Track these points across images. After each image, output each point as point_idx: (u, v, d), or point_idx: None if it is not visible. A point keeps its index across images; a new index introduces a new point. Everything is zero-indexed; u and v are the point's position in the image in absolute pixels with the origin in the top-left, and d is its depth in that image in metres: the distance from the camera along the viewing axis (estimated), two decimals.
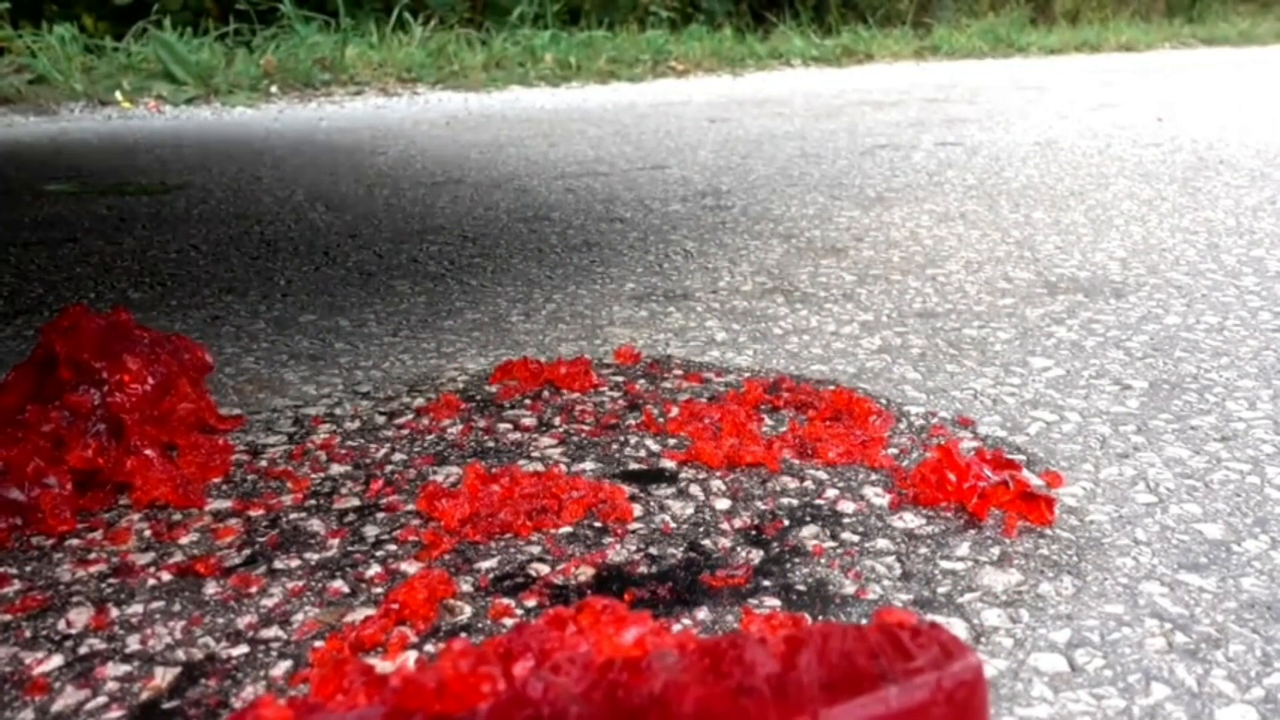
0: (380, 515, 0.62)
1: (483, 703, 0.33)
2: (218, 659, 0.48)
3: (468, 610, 0.51)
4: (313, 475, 0.67)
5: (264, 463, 0.69)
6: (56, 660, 0.48)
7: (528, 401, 0.80)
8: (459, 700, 0.33)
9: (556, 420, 0.76)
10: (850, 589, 0.53)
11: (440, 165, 2.12)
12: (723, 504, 0.63)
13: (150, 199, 1.79)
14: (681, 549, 0.57)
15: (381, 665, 0.47)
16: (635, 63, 4.50)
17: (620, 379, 0.85)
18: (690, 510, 0.62)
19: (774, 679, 0.32)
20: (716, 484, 0.65)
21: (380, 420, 0.77)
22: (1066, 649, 0.48)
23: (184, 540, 0.59)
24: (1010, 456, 0.67)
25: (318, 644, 0.49)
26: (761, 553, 0.57)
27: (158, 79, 3.58)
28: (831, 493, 0.64)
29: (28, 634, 0.50)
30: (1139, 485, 0.64)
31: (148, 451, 0.64)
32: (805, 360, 0.90)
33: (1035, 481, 0.63)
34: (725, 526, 0.60)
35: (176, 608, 0.52)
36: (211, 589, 0.54)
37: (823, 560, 0.56)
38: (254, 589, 0.54)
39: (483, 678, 0.34)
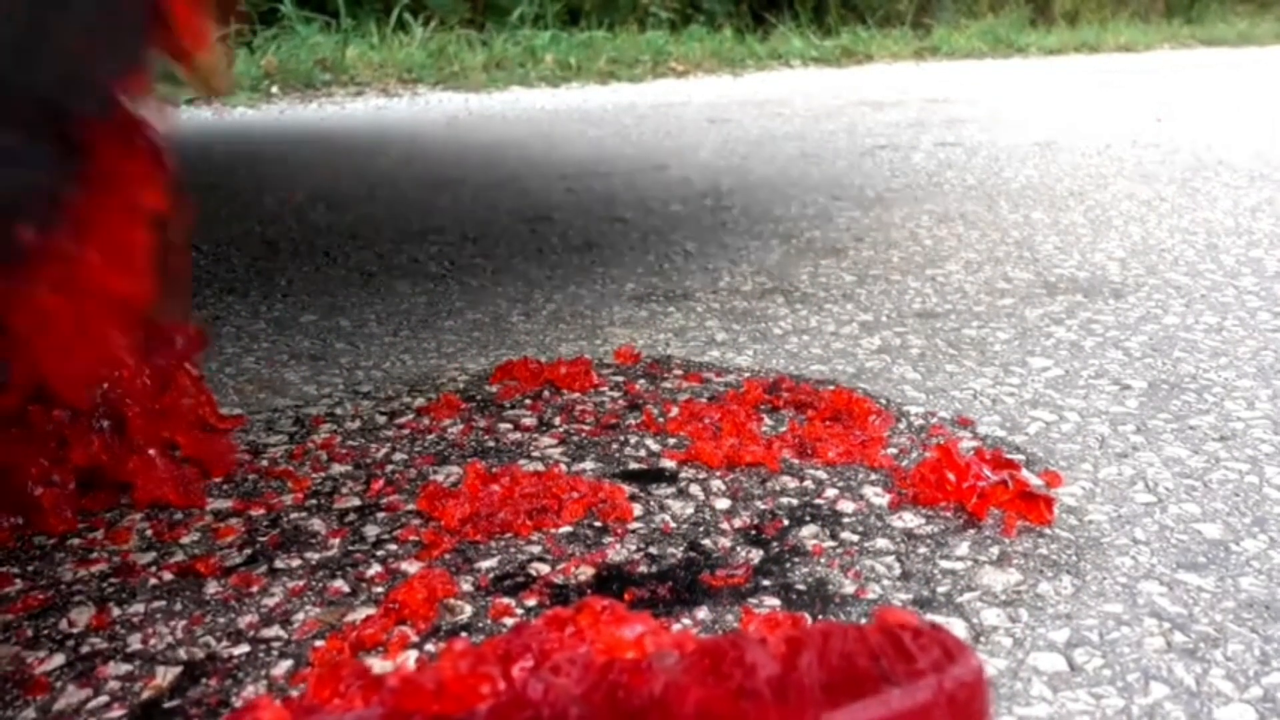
0: (381, 515, 0.62)
1: (482, 704, 0.33)
2: (219, 658, 0.48)
3: (468, 610, 0.52)
4: (313, 475, 0.68)
5: (265, 462, 0.70)
6: (58, 659, 0.48)
7: (528, 401, 0.80)
8: (458, 701, 0.33)
9: (557, 420, 0.76)
10: (850, 588, 0.53)
11: (441, 165, 2.12)
12: (723, 504, 0.63)
13: None
14: (681, 549, 0.57)
15: (381, 665, 0.47)
16: (635, 63, 4.50)
17: (620, 379, 0.85)
18: (690, 510, 0.62)
19: (775, 681, 0.32)
20: (716, 484, 0.65)
21: (381, 420, 0.77)
22: (1065, 648, 0.48)
23: (185, 540, 0.59)
24: (1009, 456, 0.67)
25: (318, 643, 0.49)
26: (761, 552, 0.57)
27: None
28: (831, 492, 0.64)
29: (29, 633, 0.50)
30: (1138, 485, 0.65)
31: (149, 451, 0.64)
32: (805, 360, 0.90)
33: (1034, 481, 0.64)
34: (725, 526, 0.60)
35: (178, 607, 0.52)
36: (212, 588, 0.54)
37: (822, 560, 0.56)
38: (255, 588, 0.54)
39: (482, 678, 0.34)
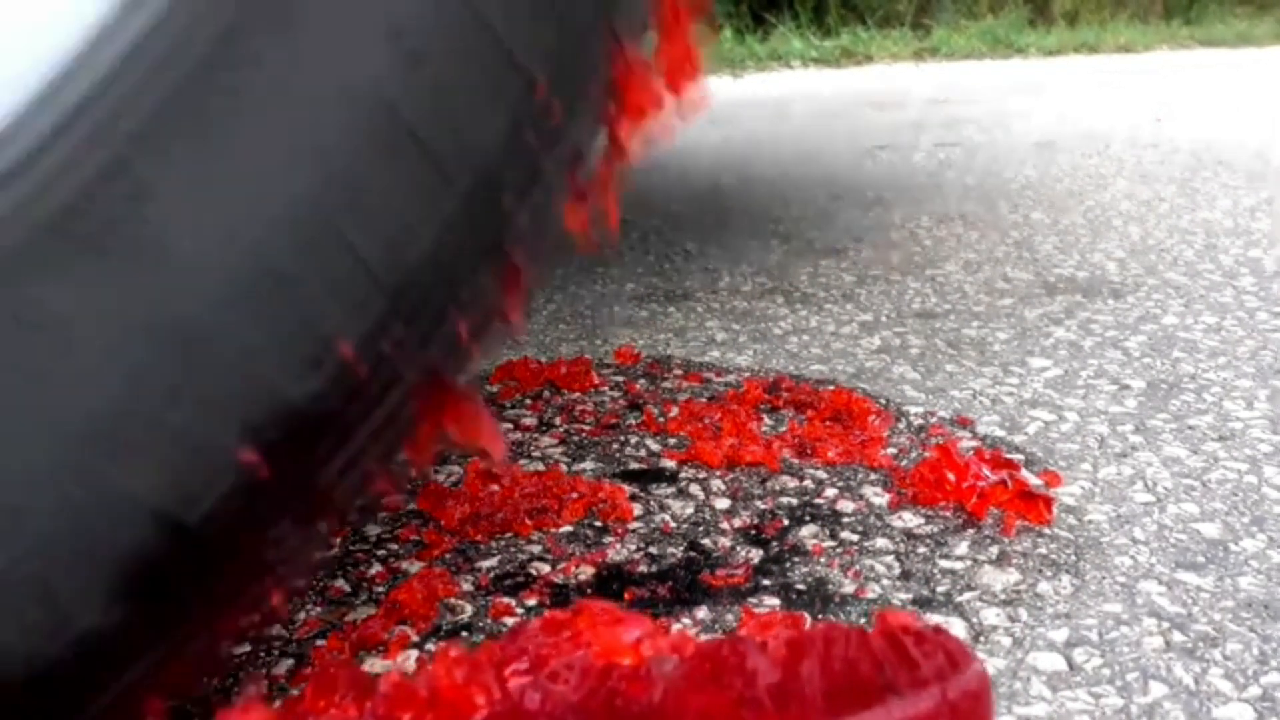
0: (381, 514, 0.62)
1: (477, 713, 0.33)
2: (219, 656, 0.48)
3: (469, 609, 0.52)
4: None
5: None
6: None
7: (528, 401, 0.80)
8: (452, 709, 0.33)
9: (557, 420, 0.77)
10: (849, 588, 0.53)
11: None
12: (723, 503, 0.63)
13: None
14: (681, 548, 0.57)
15: (382, 664, 0.47)
16: None
17: (620, 379, 0.85)
18: (690, 510, 0.62)
19: (775, 689, 0.32)
20: (716, 483, 0.65)
21: None
22: (1065, 648, 0.48)
23: None
24: (1009, 456, 0.68)
25: (319, 642, 0.49)
26: (761, 552, 0.57)
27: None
28: (831, 492, 0.64)
29: None
30: (1137, 484, 0.65)
31: None
32: (805, 360, 0.90)
33: (1034, 481, 0.64)
34: (725, 526, 0.60)
35: None
36: None
37: (822, 559, 0.56)
38: None
39: (477, 687, 0.34)
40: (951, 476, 0.61)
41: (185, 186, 0.29)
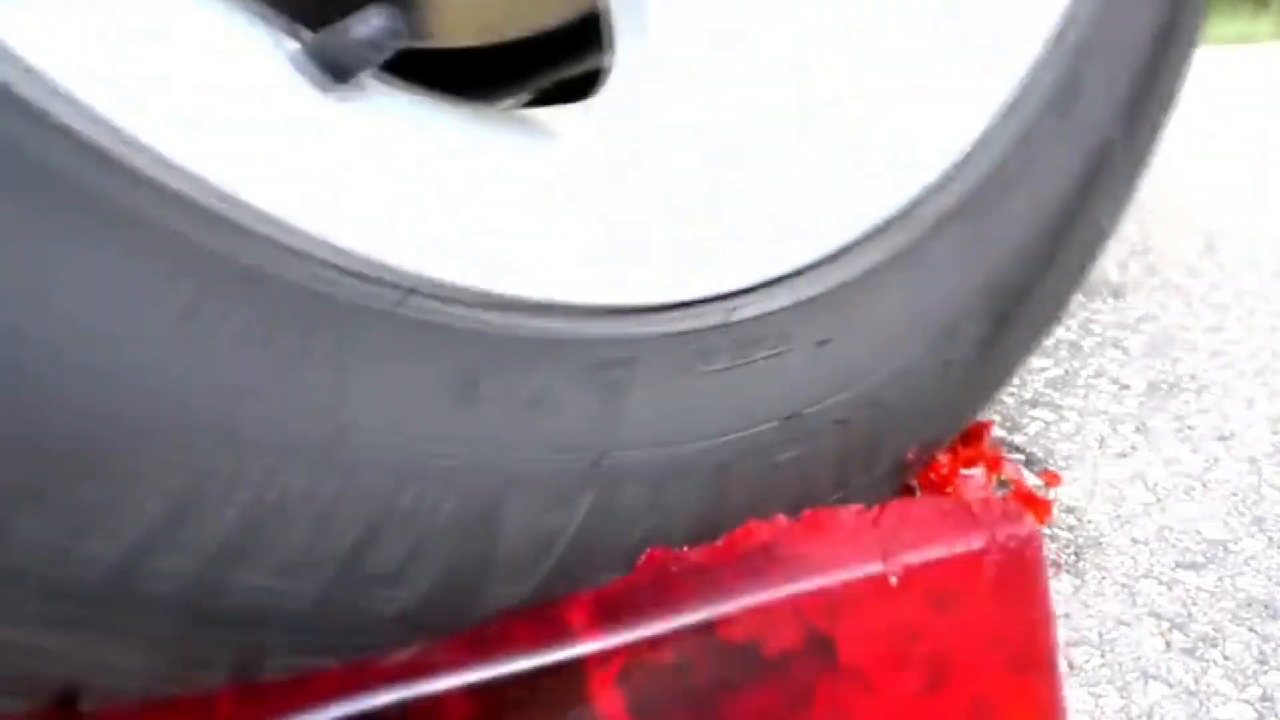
0: None
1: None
2: None
3: None
4: None
5: None
6: None
7: None
8: None
9: None
10: None
11: None
12: None
13: None
14: None
15: None
16: None
17: None
18: None
19: (855, 529, 0.39)
20: None
21: None
22: (1065, 648, 0.48)
23: None
24: (1009, 456, 0.68)
25: None
26: None
27: None
28: None
29: None
30: (1137, 485, 0.65)
31: None
32: None
33: (1034, 481, 0.64)
34: None
35: None
36: None
37: None
38: None
39: None
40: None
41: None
